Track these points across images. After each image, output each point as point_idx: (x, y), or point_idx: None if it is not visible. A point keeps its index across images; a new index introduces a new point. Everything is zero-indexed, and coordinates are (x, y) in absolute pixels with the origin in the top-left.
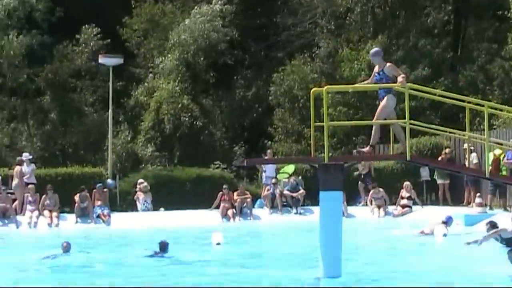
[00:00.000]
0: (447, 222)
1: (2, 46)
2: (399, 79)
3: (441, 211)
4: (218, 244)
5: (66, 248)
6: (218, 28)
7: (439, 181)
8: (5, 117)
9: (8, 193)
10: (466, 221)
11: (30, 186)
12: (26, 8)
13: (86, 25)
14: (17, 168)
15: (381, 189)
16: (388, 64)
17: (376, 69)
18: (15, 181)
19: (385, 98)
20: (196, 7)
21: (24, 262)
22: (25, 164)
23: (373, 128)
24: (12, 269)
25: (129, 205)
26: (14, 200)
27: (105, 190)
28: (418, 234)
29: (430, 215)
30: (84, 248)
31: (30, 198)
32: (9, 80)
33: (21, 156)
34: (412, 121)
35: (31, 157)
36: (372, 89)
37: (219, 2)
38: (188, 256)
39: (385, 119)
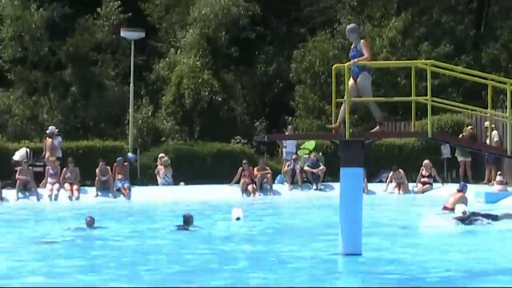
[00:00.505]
0: (462, 189)
1: (23, 19)
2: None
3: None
4: (238, 219)
5: (90, 222)
6: (238, 2)
7: (460, 159)
8: (26, 90)
9: (31, 165)
10: (487, 199)
11: (51, 159)
12: None
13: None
14: (48, 141)
15: (401, 171)
16: (362, 40)
17: (353, 45)
18: (47, 154)
19: (361, 75)
20: None
21: (48, 234)
22: (52, 138)
23: (371, 107)
24: (36, 242)
25: (150, 179)
26: (37, 173)
27: (125, 163)
28: (441, 211)
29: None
30: (106, 221)
31: (51, 171)
32: (31, 53)
33: (47, 129)
34: (433, 98)
35: (57, 130)
36: (393, 65)
37: None
38: (208, 231)
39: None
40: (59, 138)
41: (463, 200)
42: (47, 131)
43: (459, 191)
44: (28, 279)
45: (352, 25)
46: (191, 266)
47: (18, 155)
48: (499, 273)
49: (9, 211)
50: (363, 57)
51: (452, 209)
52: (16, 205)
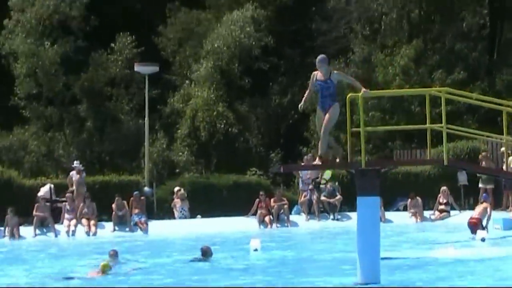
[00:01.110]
0: (485, 200)
1: (38, 56)
2: (362, 89)
3: None
4: (256, 250)
5: (113, 255)
6: (250, 33)
7: (481, 185)
8: (42, 126)
9: (54, 201)
10: (505, 226)
11: (67, 195)
12: (60, 16)
13: (121, 33)
14: (76, 176)
15: (418, 198)
16: (336, 72)
17: (321, 76)
18: (74, 189)
19: (333, 107)
20: (227, 14)
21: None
22: (74, 173)
23: (321, 139)
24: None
25: (166, 213)
26: (55, 209)
27: (142, 198)
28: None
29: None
30: (124, 255)
31: (68, 207)
32: (45, 89)
33: (73, 164)
34: (448, 125)
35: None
36: (408, 93)
37: (251, 8)
38: (226, 262)
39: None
40: (84, 174)
41: (487, 210)
42: (75, 166)
43: (482, 202)
44: None
45: (322, 55)
46: None
47: (42, 191)
48: None
49: (27, 248)
50: (361, 86)
51: (479, 219)
52: (34, 242)
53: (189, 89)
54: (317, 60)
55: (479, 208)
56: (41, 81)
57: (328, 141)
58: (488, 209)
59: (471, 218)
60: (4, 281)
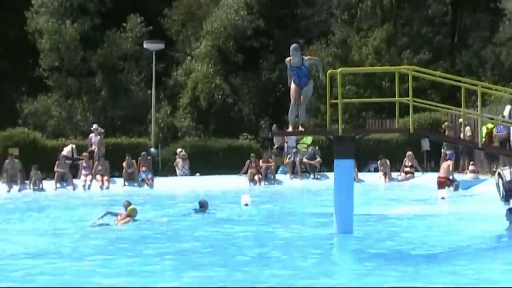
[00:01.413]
0: (450, 158)
1: (59, 33)
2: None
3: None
4: (246, 205)
5: (128, 206)
6: (244, 16)
7: (443, 151)
8: (63, 94)
9: (76, 159)
10: (462, 186)
11: (84, 154)
12: None
13: (132, 14)
14: (97, 138)
15: (387, 160)
16: (308, 57)
17: (294, 63)
18: (94, 149)
19: (308, 84)
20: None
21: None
22: (93, 135)
23: (301, 109)
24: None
25: (170, 171)
26: (74, 166)
27: (149, 157)
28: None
29: (430, 180)
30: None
31: (84, 164)
32: (66, 62)
33: (92, 126)
34: (414, 99)
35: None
36: (379, 71)
37: None
38: (220, 215)
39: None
40: (103, 135)
41: (450, 167)
42: (96, 129)
43: (446, 159)
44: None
45: (295, 45)
46: (205, 243)
47: (65, 151)
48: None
49: (49, 199)
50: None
51: (445, 177)
52: (54, 194)
53: (190, 64)
54: (291, 48)
55: (443, 167)
56: (62, 55)
57: (299, 111)
58: (451, 166)
59: (438, 177)
60: (28, 227)
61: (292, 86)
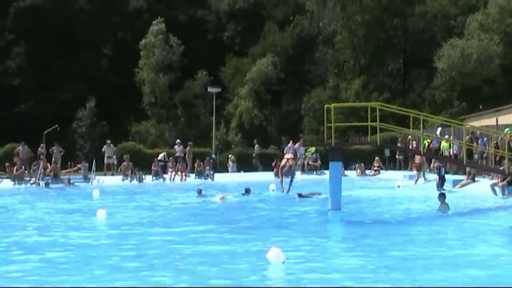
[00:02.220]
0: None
1: (156, 82)
2: None
3: (397, 173)
4: (273, 190)
5: (199, 192)
6: (271, 71)
7: (400, 157)
8: (156, 120)
9: (165, 161)
10: (410, 179)
11: (170, 158)
12: (166, 60)
13: (200, 70)
14: (178, 148)
15: (362, 163)
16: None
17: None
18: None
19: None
20: (259, 60)
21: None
22: (176, 146)
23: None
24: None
25: (224, 169)
26: (163, 166)
27: (211, 160)
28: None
29: (391, 175)
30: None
31: (170, 165)
32: (159, 100)
33: (176, 141)
34: (380, 123)
35: (179, 141)
36: (358, 106)
37: (271, 57)
38: (257, 197)
39: None
40: (182, 147)
41: (423, 159)
42: (180, 143)
43: (417, 154)
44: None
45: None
46: (252, 216)
47: (160, 156)
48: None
49: (148, 188)
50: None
51: (419, 163)
52: (151, 184)
53: (237, 101)
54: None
55: (417, 158)
56: (157, 96)
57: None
58: (424, 160)
59: (414, 163)
60: (133, 205)
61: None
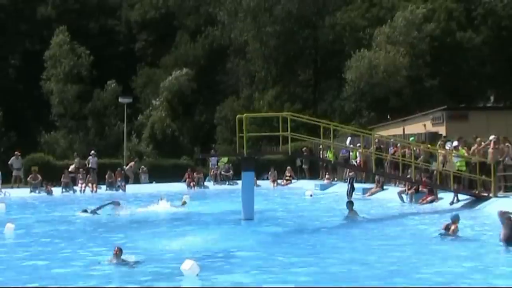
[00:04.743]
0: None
1: (64, 92)
2: None
3: (307, 182)
4: (185, 203)
5: (116, 203)
6: (183, 82)
7: (305, 166)
8: (66, 131)
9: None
10: (321, 188)
11: (80, 169)
12: (75, 70)
13: (110, 80)
14: (93, 159)
15: (275, 171)
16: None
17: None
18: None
19: None
20: (173, 72)
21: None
22: (91, 157)
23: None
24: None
25: (136, 180)
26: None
27: (122, 171)
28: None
29: (303, 184)
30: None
31: (81, 176)
32: (68, 111)
33: (90, 152)
34: (292, 133)
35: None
36: (270, 115)
37: (185, 70)
38: (169, 209)
39: None
40: (96, 158)
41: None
42: (94, 153)
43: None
44: None
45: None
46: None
47: (71, 168)
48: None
49: (56, 199)
50: None
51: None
52: (60, 196)
53: (149, 111)
54: None
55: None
56: (66, 106)
57: None
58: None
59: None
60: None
61: None
